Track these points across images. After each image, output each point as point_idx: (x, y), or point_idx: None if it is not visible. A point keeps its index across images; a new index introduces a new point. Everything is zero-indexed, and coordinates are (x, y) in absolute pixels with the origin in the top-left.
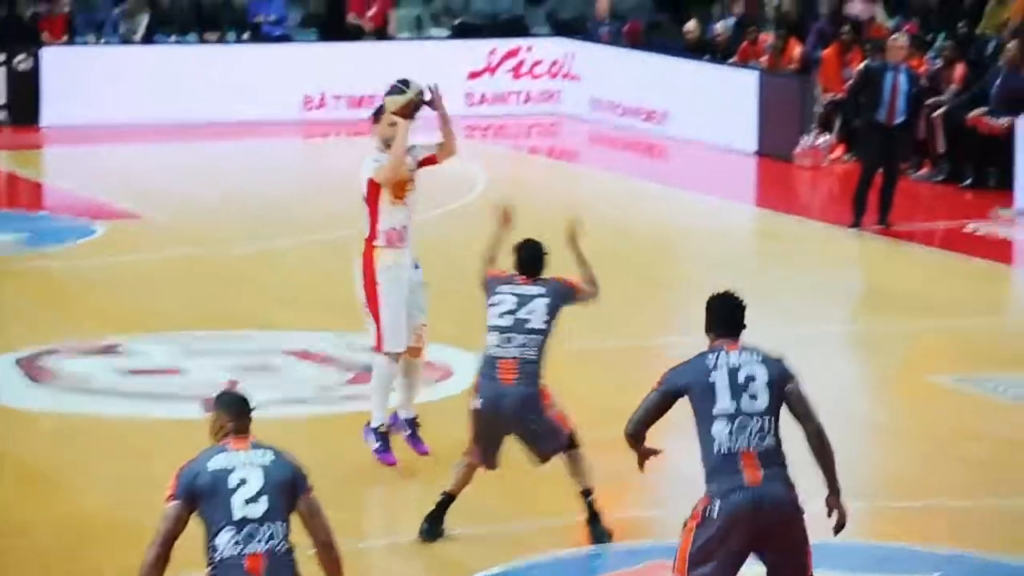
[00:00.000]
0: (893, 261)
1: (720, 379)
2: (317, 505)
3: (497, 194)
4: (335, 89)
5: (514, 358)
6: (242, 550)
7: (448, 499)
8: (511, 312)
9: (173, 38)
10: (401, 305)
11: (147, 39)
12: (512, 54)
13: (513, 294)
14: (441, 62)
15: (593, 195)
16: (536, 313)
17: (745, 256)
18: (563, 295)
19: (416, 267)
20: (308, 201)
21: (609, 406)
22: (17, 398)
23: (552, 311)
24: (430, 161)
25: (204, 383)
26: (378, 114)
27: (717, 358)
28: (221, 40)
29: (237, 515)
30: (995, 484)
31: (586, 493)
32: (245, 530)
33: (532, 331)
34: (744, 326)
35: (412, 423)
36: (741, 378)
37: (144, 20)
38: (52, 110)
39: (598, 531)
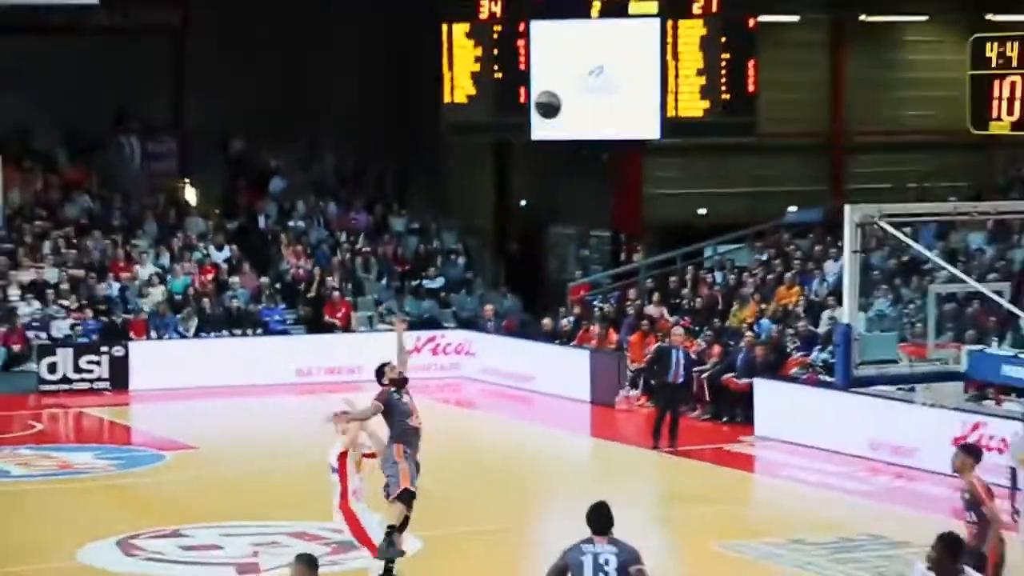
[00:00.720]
0: (680, 470)
1: (587, 561)
2: None
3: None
4: (318, 363)
5: None
6: None
7: None
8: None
9: (213, 334)
10: None
11: (196, 335)
12: (432, 339)
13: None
14: (388, 346)
15: (483, 431)
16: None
17: (583, 466)
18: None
19: None
20: (297, 433)
21: None
22: (115, 565)
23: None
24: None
25: (236, 555)
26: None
27: (591, 546)
28: (243, 334)
29: None
30: None
31: None
32: None
33: None
34: (611, 525)
35: None
36: (601, 560)
37: (194, 323)
38: (137, 380)
39: None
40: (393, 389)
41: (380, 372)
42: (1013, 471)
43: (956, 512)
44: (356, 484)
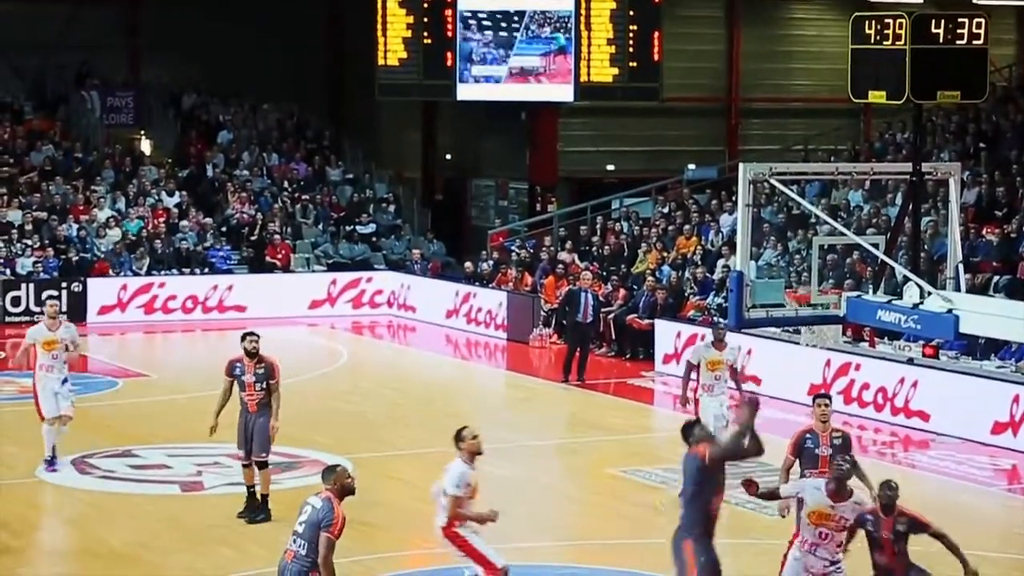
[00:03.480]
0: (587, 402)
1: None
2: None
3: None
4: (257, 300)
5: None
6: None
7: None
8: None
9: (163, 272)
10: None
11: (148, 273)
12: (364, 280)
13: None
14: (322, 286)
15: (409, 364)
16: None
17: (500, 398)
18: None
19: None
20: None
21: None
22: (70, 482)
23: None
24: None
25: (182, 474)
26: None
27: None
28: (191, 273)
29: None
30: (642, 530)
31: None
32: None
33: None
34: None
35: None
36: None
37: (146, 262)
38: (93, 315)
39: None
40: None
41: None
42: (690, 364)
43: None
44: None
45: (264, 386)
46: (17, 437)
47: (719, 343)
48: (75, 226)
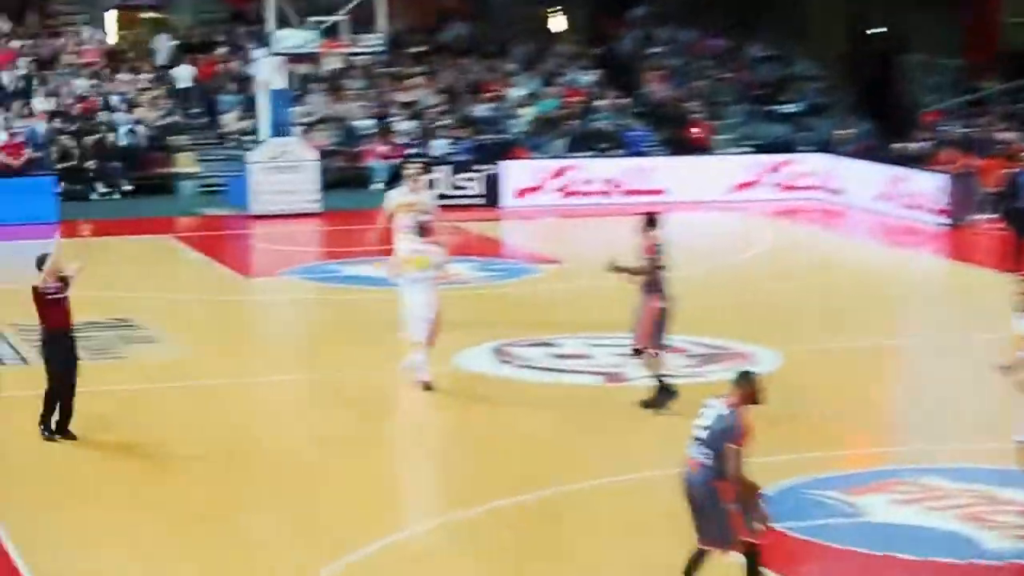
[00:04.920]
0: None
1: None
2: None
3: None
4: (677, 183)
5: None
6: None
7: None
8: None
9: (579, 154)
10: None
11: (564, 155)
12: (786, 164)
13: None
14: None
15: (836, 251)
16: None
17: (941, 288)
18: None
19: None
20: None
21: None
22: (490, 370)
23: None
24: None
25: (605, 364)
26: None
27: None
28: (608, 154)
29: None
30: None
31: None
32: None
33: None
34: None
35: None
36: None
37: (562, 143)
38: (508, 199)
39: None
40: None
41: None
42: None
43: None
44: None
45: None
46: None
47: None
48: (489, 106)
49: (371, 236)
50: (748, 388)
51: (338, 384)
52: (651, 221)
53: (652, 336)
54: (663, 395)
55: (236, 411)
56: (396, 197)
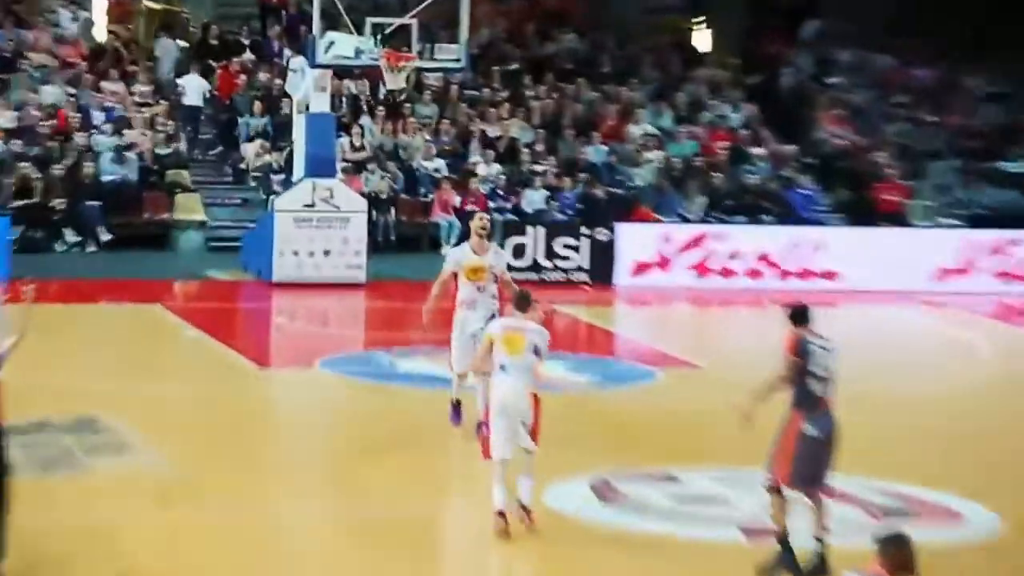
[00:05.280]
0: None
1: None
2: None
3: None
4: (856, 264)
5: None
6: None
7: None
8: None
9: (723, 217)
10: None
11: (702, 219)
12: (1001, 247)
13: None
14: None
15: None
16: None
17: None
18: None
19: None
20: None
21: None
22: (589, 514)
23: None
24: None
25: (745, 511)
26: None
27: None
28: (762, 220)
29: None
30: None
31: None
32: None
33: None
34: None
35: None
36: None
37: (700, 202)
38: (623, 273)
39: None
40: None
41: None
42: None
43: None
44: None
45: None
46: None
47: None
48: (602, 148)
49: (425, 316)
50: (897, 559)
51: (387, 520)
52: (797, 315)
53: (792, 472)
54: (785, 560)
55: (240, 555)
56: (459, 258)
